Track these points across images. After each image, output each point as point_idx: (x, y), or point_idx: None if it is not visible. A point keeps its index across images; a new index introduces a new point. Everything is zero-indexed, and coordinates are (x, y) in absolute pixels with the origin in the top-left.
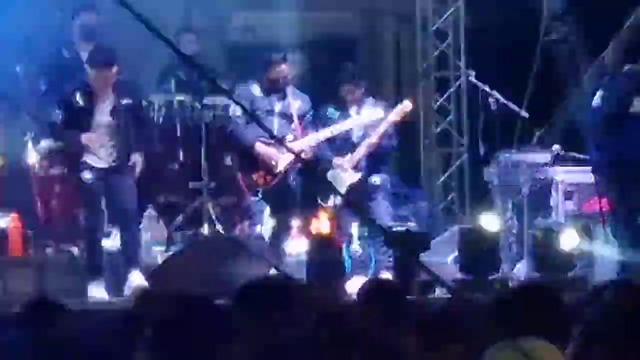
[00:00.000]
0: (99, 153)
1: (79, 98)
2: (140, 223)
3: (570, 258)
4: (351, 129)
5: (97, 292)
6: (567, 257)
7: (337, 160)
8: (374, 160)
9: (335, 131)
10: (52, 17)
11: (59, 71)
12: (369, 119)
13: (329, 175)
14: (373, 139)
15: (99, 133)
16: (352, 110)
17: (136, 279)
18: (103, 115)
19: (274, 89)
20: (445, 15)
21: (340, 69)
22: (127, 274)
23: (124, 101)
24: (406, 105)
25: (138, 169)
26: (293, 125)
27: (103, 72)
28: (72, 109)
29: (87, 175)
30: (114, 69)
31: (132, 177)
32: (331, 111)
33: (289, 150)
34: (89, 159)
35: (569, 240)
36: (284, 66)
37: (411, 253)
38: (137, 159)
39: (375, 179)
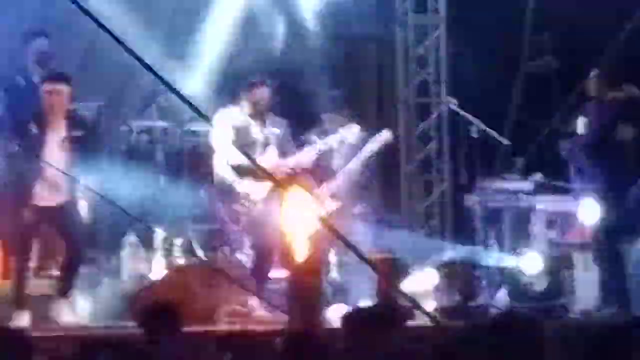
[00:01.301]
0: (46, 191)
1: (31, 126)
2: (120, 250)
3: (552, 286)
4: (331, 157)
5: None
6: (549, 286)
7: (317, 189)
8: (355, 189)
9: (307, 154)
10: (4, 43)
11: (13, 98)
12: (340, 137)
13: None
14: (353, 166)
15: (50, 166)
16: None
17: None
18: (54, 145)
19: (254, 113)
20: (426, 42)
21: (324, 97)
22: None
23: (75, 132)
24: (385, 133)
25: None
26: (270, 151)
27: (55, 88)
28: (28, 137)
29: (27, 214)
30: (66, 90)
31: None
32: (313, 138)
33: (269, 177)
34: (35, 198)
35: (532, 264)
36: (264, 89)
37: (392, 280)
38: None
39: (355, 207)
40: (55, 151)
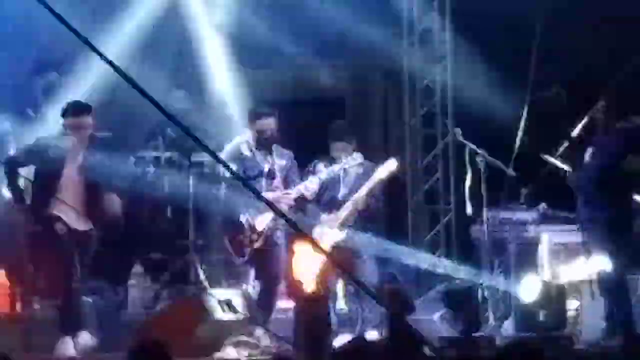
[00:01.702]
0: (69, 217)
1: (51, 154)
2: (127, 280)
3: (558, 316)
4: (337, 187)
5: (64, 348)
6: (555, 316)
7: (323, 218)
8: (361, 220)
9: (310, 185)
10: (14, 76)
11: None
12: (343, 166)
13: (315, 233)
14: (359, 196)
15: (67, 196)
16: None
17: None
18: (73, 172)
19: (260, 144)
20: (433, 73)
21: (331, 127)
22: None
23: (94, 157)
24: (391, 163)
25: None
26: (275, 182)
27: (78, 119)
28: (42, 163)
29: (59, 227)
30: (89, 119)
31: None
32: (319, 168)
33: (274, 210)
34: (61, 215)
35: (530, 290)
36: (271, 119)
37: (398, 312)
38: (114, 199)
39: (361, 238)
40: (73, 177)
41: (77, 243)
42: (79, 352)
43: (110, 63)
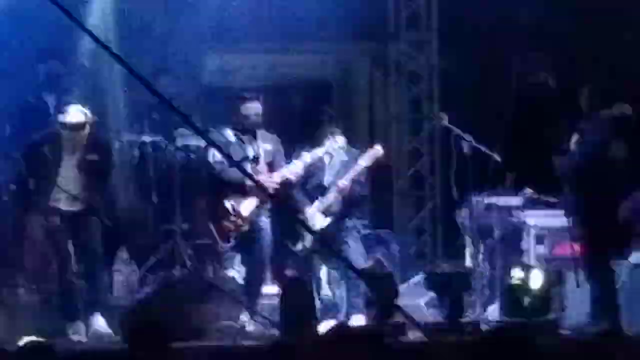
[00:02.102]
0: (61, 200)
1: (47, 151)
2: (112, 264)
3: (543, 302)
4: (322, 173)
5: (76, 333)
6: (540, 301)
7: (307, 204)
8: (346, 205)
9: (295, 168)
10: (15, 62)
11: (23, 116)
12: (326, 149)
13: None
14: (343, 183)
15: (62, 184)
16: (326, 155)
17: (97, 323)
18: (69, 167)
19: (245, 129)
20: (419, 58)
21: (318, 112)
22: (90, 316)
23: (91, 157)
24: (376, 149)
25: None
26: (259, 167)
27: (78, 132)
28: (38, 160)
29: (51, 218)
30: (87, 128)
31: (98, 219)
32: (304, 152)
33: (263, 191)
34: (54, 203)
35: (535, 281)
36: (256, 104)
37: (386, 295)
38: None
39: (347, 223)
40: (71, 170)
41: (72, 227)
42: (90, 337)
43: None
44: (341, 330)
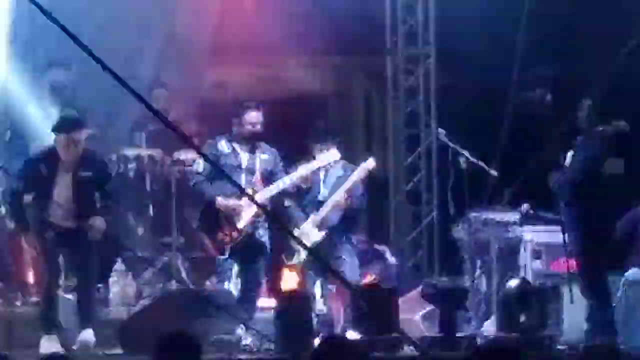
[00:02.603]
0: (57, 215)
1: (42, 169)
2: (109, 277)
3: (539, 318)
4: (318, 187)
5: (49, 345)
6: (536, 317)
7: (302, 219)
8: (342, 219)
9: (288, 181)
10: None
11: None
12: (321, 163)
13: (295, 233)
14: (338, 197)
15: (58, 200)
16: (322, 170)
17: (86, 337)
18: (64, 185)
19: (244, 139)
20: (416, 73)
21: (312, 128)
22: (81, 330)
23: (85, 173)
24: (369, 162)
25: (98, 233)
26: (253, 179)
27: (72, 136)
28: (35, 178)
29: (46, 233)
30: (83, 133)
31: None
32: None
33: (256, 203)
34: (49, 218)
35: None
36: (255, 113)
37: (381, 310)
38: (96, 222)
39: (342, 237)
40: (64, 188)
41: (65, 243)
42: (79, 348)
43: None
44: (332, 344)
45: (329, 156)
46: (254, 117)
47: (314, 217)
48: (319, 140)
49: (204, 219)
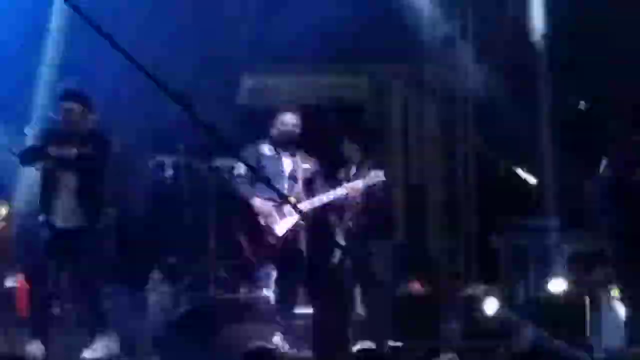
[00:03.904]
0: (60, 213)
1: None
2: (145, 284)
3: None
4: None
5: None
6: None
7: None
8: (368, 225)
9: (332, 196)
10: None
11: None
12: (366, 183)
13: None
14: (354, 201)
15: (63, 191)
16: (352, 171)
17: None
18: (66, 163)
19: (283, 144)
20: (454, 80)
21: (347, 130)
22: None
23: (87, 150)
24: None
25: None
26: (296, 187)
27: (68, 106)
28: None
29: (44, 234)
30: (78, 108)
31: (97, 239)
32: (341, 178)
33: (295, 209)
34: (50, 218)
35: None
36: (291, 115)
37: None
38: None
39: (371, 245)
40: (67, 173)
41: (70, 243)
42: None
43: (132, 60)
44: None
45: (375, 176)
46: (290, 119)
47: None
48: (353, 143)
49: (243, 223)
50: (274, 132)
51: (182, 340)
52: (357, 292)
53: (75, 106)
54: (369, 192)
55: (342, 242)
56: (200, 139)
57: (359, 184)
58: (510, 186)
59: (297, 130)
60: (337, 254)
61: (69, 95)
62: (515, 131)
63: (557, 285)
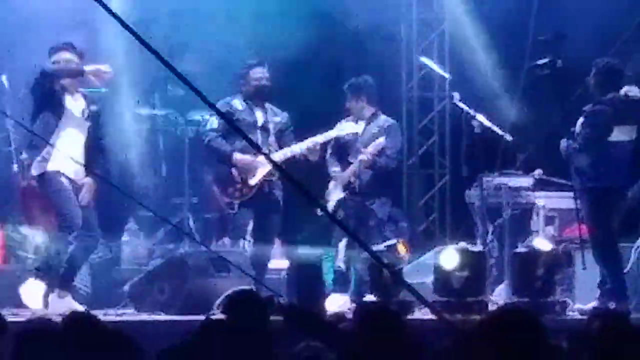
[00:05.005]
0: (67, 169)
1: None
2: (120, 236)
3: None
4: (347, 144)
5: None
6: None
7: (334, 174)
8: (373, 181)
9: (304, 146)
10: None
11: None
12: (338, 133)
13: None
14: (363, 156)
15: (69, 138)
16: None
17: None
18: (74, 111)
19: (253, 98)
20: (430, 37)
21: (350, 82)
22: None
23: (93, 107)
24: (329, 133)
25: (88, 194)
26: (270, 139)
27: (60, 57)
28: (45, 92)
29: (60, 179)
30: (69, 55)
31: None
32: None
33: (270, 161)
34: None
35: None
36: (260, 69)
37: (393, 273)
38: (88, 181)
39: (371, 200)
40: (74, 120)
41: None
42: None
43: (112, 13)
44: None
45: (346, 127)
46: (258, 73)
47: (338, 176)
48: (353, 94)
49: (217, 173)
50: (245, 87)
51: (156, 292)
52: (341, 245)
53: (70, 56)
54: (378, 150)
55: (341, 195)
56: (177, 91)
57: (330, 133)
58: (486, 143)
59: (265, 83)
60: (332, 205)
61: (60, 47)
62: (491, 88)
63: (542, 243)
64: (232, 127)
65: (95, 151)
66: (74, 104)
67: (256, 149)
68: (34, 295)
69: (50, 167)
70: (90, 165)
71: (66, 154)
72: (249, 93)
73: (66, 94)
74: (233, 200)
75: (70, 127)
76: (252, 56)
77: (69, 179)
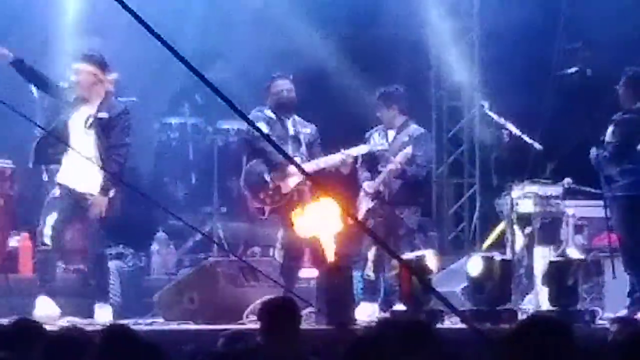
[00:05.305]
0: (71, 177)
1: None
2: (150, 245)
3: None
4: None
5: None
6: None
7: (364, 185)
8: (403, 190)
9: (338, 158)
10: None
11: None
12: (368, 149)
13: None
14: (392, 165)
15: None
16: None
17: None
18: (76, 120)
19: (279, 108)
20: (460, 46)
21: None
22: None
23: (101, 114)
24: (360, 149)
25: (93, 207)
26: (301, 149)
27: (81, 67)
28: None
29: (53, 190)
30: (90, 68)
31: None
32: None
33: (302, 171)
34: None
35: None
36: (281, 81)
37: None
38: (97, 200)
39: (401, 209)
40: (80, 134)
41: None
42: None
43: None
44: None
45: (378, 143)
46: (282, 85)
47: (368, 184)
48: (386, 105)
49: (248, 179)
50: (270, 100)
51: (185, 301)
52: (370, 254)
53: (91, 69)
54: (408, 159)
55: (370, 204)
56: (207, 102)
57: (361, 148)
58: (516, 151)
59: (291, 95)
60: (362, 214)
61: (84, 57)
62: (521, 96)
63: (574, 252)
64: (264, 136)
65: (107, 160)
66: (77, 113)
67: (288, 159)
68: (49, 307)
69: (58, 178)
70: (97, 176)
71: (69, 164)
72: (272, 105)
73: (75, 102)
74: (264, 205)
75: (73, 136)
76: (276, 68)
77: (69, 190)
